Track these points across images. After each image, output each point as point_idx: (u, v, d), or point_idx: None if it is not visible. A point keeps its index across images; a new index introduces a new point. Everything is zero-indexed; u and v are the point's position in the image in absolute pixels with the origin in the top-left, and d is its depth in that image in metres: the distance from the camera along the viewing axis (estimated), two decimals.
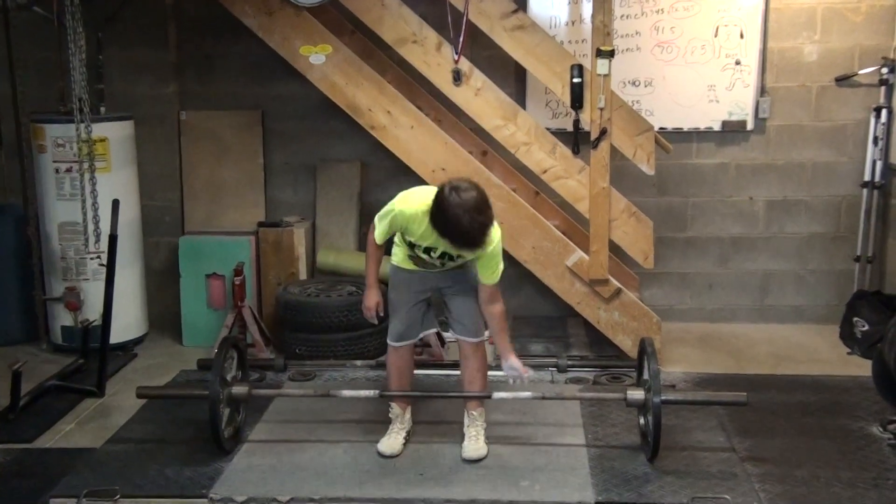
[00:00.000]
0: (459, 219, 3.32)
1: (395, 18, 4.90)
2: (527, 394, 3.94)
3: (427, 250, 3.66)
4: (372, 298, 3.90)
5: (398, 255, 3.85)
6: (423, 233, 3.56)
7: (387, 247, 3.86)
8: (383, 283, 4.00)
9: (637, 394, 3.81)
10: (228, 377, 3.92)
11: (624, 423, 4.16)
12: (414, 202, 3.58)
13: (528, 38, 4.91)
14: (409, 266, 3.81)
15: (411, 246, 3.70)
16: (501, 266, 3.69)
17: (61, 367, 4.88)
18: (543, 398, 4.03)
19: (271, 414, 4.32)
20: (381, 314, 3.95)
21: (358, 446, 3.94)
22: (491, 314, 3.78)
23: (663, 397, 3.65)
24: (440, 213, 3.37)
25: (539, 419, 4.20)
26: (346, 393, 3.96)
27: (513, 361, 3.78)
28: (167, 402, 4.50)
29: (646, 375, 3.80)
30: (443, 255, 3.66)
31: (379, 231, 3.72)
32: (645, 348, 3.83)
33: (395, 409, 3.97)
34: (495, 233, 3.54)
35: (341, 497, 3.52)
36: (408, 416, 4.00)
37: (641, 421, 3.89)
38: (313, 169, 5.76)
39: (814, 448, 3.94)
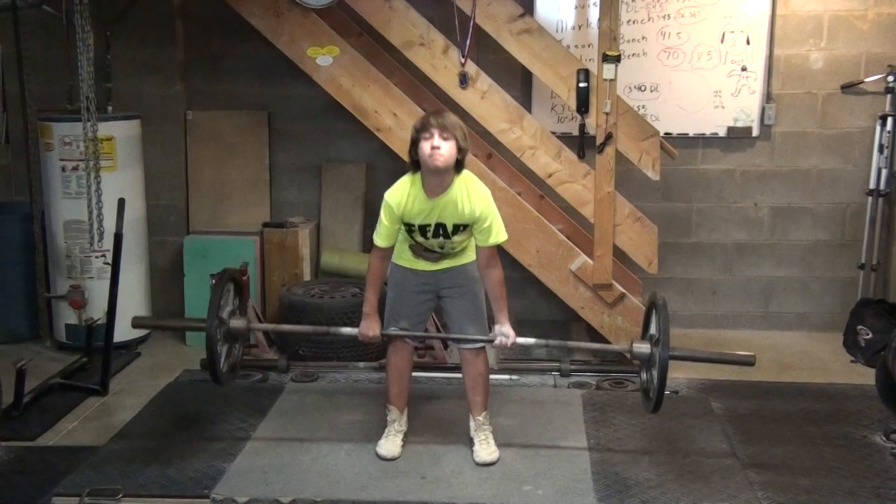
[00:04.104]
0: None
1: (402, 21, 4.91)
2: (530, 340, 3.88)
3: (423, 230, 3.66)
4: (371, 328, 3.77)
5: (399, 254, 3.83)
6: (414, 205, 3.61)
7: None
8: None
9: (643, 347, 3.71)
10: (226, 311, 3.88)
11: (626, 428, 4.16)
12: (395, 186, 3.68)
13: (534, 42, 4.92)
14: (410, 263, 3.79)
15: (409, 231, 3.68)
16: (500, 231, 3.66)
17: (65, 366, 4.89)
18: (547, 346, 4.02)
19: (274, 414, 4.32)
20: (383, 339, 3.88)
21: (361, 448, 3.94)
22: (488, 279, 3.73)
23: (671, 353, 3.56)
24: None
25: (541, 423, 4.20)
26: (346, 330, 3.90)
27: (506, 329, 3.74)
28: (170, 402, 4.53)
29: (652, 330, 3.72)
30: (438, 232, 3.65)
31: (382, 236, 3.69)
32: (655, 302, 3.72)
33: (394, 411, 3.96)
34: (480, 193, 3.63)
35: (343, 499, 3.52)
36: (404, 418, 3.99)
37: (644, 376, 3.81)
38: (318, 170, 5.77)
39: (816, 456, 3.94)
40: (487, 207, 3.62)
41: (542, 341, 3.93)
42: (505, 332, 3.74)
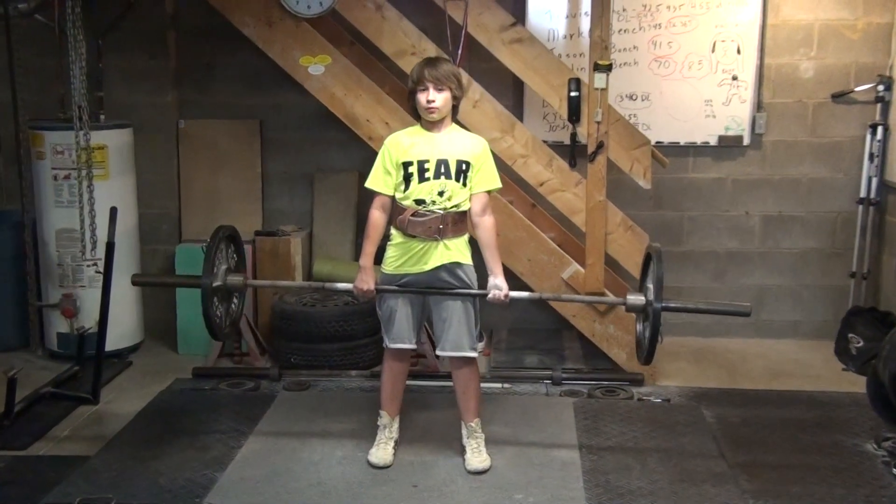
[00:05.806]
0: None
1: (394, 31, 4.93)
2: (524, 294, 4.01)
3: (422, 171, 3.66)
4: (366, 282, 3.73)
5: (386, 258, 3.82)
6: (413, 140, 3.72)
7: (378, 257, 3.84)
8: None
9: (637, 299, 3.73)
10: (223, 269, 3.89)
11: (618, 436, 4.17)
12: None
13: (526, 52, 4.95)
14: (397, 261, 3.75)
15: (407, 179, 3.68)
16: (496, 178, 3.80)
17: (56, 374, 4.88)
18: (542, 299, 4.24)
19: (265, 424, 4.32)
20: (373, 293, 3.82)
21: (352, 456, 3.94)
22: (482, 226, 3.75)
23: (664, 304, 3.59)
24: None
25: (533, 431, 4.21)
26: (341, 285, 3.96)
27: (499, 281, 3.74)
28: (162, 411, 4.52)
29: (648, 282, 3.73)
30: (439, 170, 3.66)
31: (374, 178, 3.76)
32: (650, 254, 3.73)
33: (385, 417, 3.96)
34: (478, 136, 3.90)
35: None
36: (396, 425, 3.99)
37: (639, 328, 3.84)
38: (311, 178, 5.78)
39: (808, 464, 3.95)
40: (486, 148, 3.80)
41: (535, 295, 4.11)
42: (498, 285, 3.75)
